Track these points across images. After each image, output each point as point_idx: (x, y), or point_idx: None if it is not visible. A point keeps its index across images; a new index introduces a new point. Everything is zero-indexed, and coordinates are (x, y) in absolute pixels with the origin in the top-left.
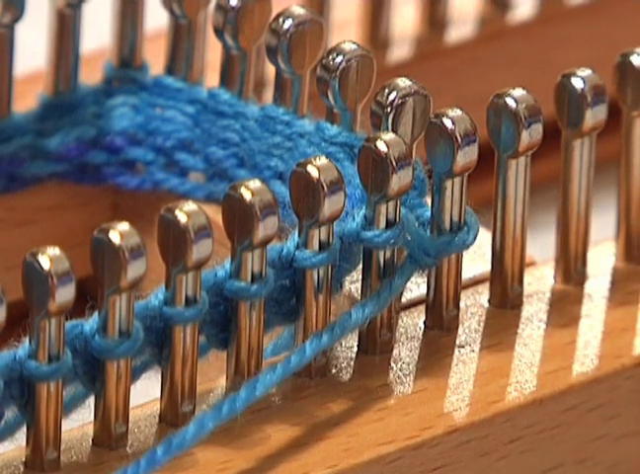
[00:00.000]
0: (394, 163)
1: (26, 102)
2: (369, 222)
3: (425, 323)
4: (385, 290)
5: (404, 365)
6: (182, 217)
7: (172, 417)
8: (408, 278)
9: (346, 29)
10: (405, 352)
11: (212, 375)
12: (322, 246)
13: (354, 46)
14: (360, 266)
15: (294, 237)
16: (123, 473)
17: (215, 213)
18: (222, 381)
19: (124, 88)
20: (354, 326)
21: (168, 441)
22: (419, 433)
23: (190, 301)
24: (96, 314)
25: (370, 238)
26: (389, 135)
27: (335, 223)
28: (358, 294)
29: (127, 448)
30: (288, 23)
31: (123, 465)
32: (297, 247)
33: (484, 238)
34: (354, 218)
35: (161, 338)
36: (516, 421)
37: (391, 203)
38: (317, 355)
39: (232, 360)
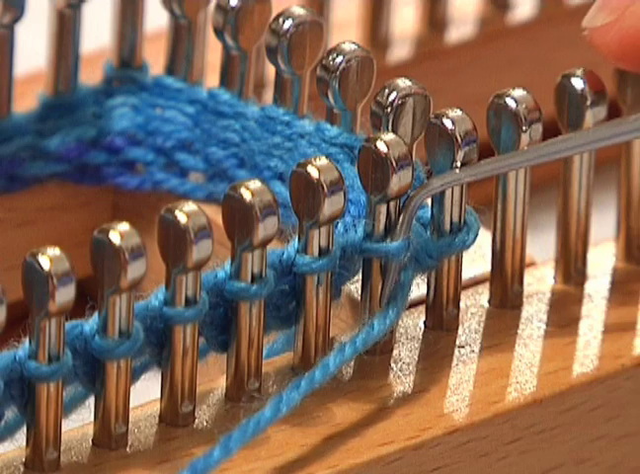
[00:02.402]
0: (394, 163)
1: (26, 102)
2: (370, 233)
3: (425, 323)
4: (400, 295)
5: (404, 366)
6: (182, 218)
7: (172, 417)
8: (413, 278)
9: (346, 29)
10: (405, 352)
11: (212, 375)
12: (322, 251)
13: (354, 47)
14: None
15: (295, 242)
16: None
17: (215, 214)
18: (222, 381)
19: (124, 88)
20: (377, 337)
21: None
22: (419, 433)
23: (190, 302)
24: (96, 314)
25: (375, 249)
26: (389, 136)
27: (337, 234)
28: (357, 295)
29: (127, 449)
30: (288, 23)
31: (123, 465)
32: (297, 252)
33: (484, 238)
34: (356, 231)
35: (161, 338)
36: (516, 421)
37: (392, 204)
38: (340, 368)
39: (232, 361)
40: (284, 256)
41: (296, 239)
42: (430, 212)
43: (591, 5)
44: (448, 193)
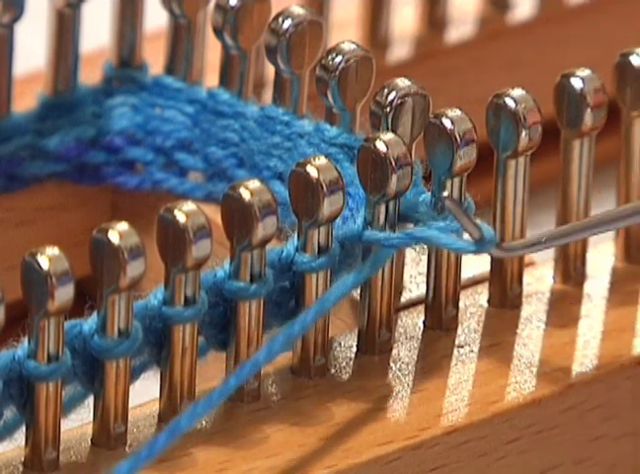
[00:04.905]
0: (393, 163)
1: (25, 102)
2: (369, 223)
3: (424, 323)
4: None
5: (403, 365)
6: (181, 217)
7: (171, 417)
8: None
9: (346, 29)
10: (404, 352)
11: (211, 375)
12: (321, 249)
13: (353, 46)
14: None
15: (294, 240)
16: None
17: (214, 213)
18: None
19: (124, 88)
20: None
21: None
22: (418, 433)
23: (189, 301)
24: (95, 314)
25: (372, 237)
26: (388, 135)
27: (336, 227)
28: (357, 295)
29: (126, 448)
30: (288, 23)
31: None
32: (297, 250)
33: None
34: (354, 221)
35: (160, 338)
36: (515, 421)
37: (391, 203)
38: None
39: (231, 361)
40: (284, 254)
41: (295, 236)
42: (430, 199)
43: (591, 5)
44: (449, 184)
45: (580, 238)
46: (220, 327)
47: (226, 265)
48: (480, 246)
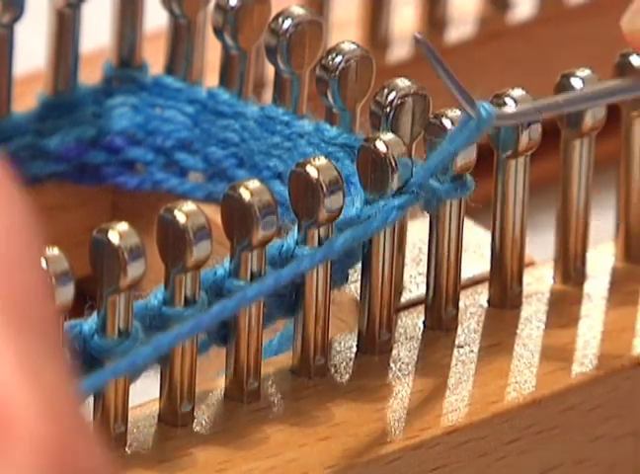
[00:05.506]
0: (394, 163)
1: (25, 102)
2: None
3: (424, 323)
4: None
5: (403, 365)
6: (181, 217)
7: (171, 417)
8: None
9: (346, 29)
10: (404, 352)
11: (212, 375)
12: (322, 243)
13: (353, 46)
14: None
15: (294, 234)
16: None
17: (214, 213)
18: (221, 381)
19: (124, 88)
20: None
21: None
22: (418, 433)
23: (189, 301)
24: (95, 314)
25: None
26: (388, 135)
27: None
28: (357, 295)
29: (126, 448)
30: (288, 23)
31: (122, 465)
32: (297, 244)
33: (483, 238)
34: (353, 204)
35: None
36: (515, 421)
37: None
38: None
39: (231, 361)
40: (284, 248)
41: (295, 230)
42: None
43: (591, 5)
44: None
45: (574, 110)
46: (221, 323)
47: (226, 263)
48: (478, 122)
